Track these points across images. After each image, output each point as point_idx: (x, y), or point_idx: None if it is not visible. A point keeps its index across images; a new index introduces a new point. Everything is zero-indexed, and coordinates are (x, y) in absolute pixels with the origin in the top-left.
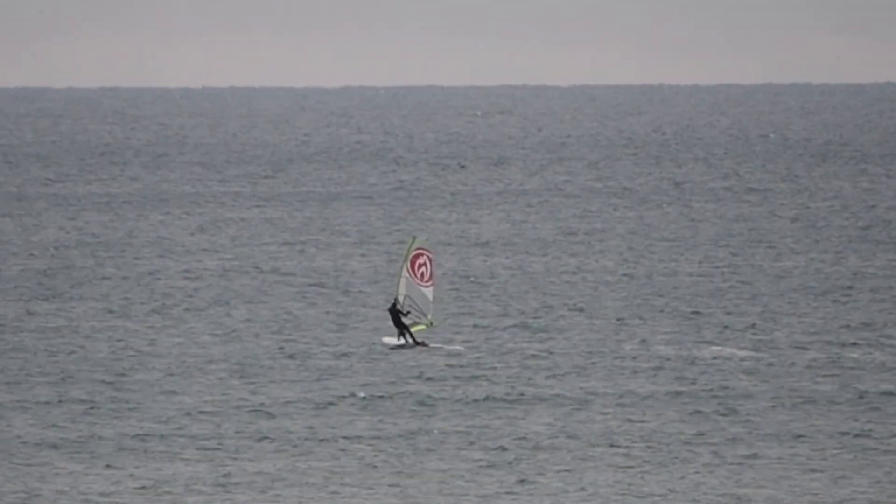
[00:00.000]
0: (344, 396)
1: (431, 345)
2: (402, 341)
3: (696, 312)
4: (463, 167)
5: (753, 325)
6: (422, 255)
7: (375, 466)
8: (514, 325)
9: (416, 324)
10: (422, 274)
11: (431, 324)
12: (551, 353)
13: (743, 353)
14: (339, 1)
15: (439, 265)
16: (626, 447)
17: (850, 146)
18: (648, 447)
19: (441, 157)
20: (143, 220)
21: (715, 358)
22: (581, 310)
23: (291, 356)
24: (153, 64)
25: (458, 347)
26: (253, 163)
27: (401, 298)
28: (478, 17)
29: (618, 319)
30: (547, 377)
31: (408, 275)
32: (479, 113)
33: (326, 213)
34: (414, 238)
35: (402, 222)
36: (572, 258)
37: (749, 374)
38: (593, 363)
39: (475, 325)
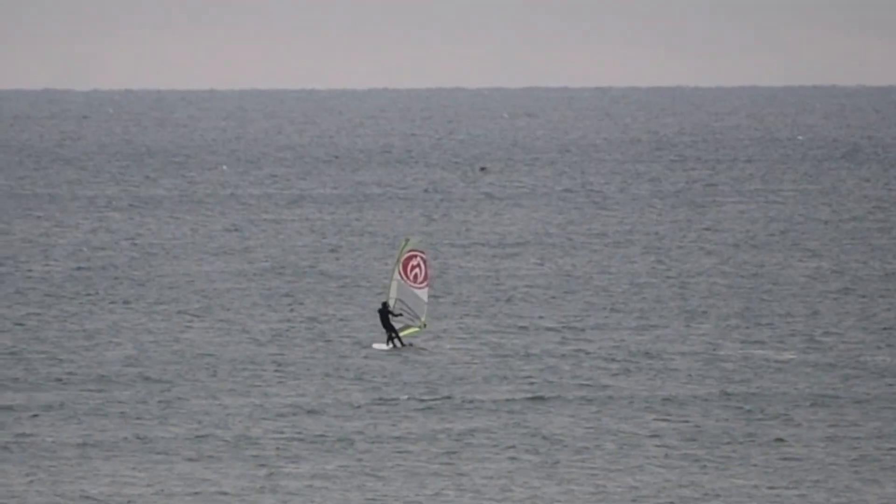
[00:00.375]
0: (385, 399)
1: (451, 348)
2: (391, 346)
3: (731, 314)
4: (483, 170)
5: (790, 327)
6: (415, 256)
7: (416, 468)
8: (550, 328)
9: (408, 327)
10: (415, 276)
11: (424, 325)
12: (587, 353)
13: (781, 355)
14: (365, 4)
15: (468, 268)
16: (666, 448)
17: (881, 148)
18: (687, 448)
19: (469, 159)
20: (176, 221)
21: (752, 359)
22: (616, 311)
23: (328, 356)
24: (177, 66)
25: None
26: (281, 165)
27: (391, 302)
28: (502, 20)
29: (652, 320)
30: (584, 378)
31: (399, 277)
32: (505, 115)
33: (356, 214)
34: (406, 240)
35: (433, 224)
36: (603, 259)
37: (788, 376)
38: (629, 364)
39: (509, 327)
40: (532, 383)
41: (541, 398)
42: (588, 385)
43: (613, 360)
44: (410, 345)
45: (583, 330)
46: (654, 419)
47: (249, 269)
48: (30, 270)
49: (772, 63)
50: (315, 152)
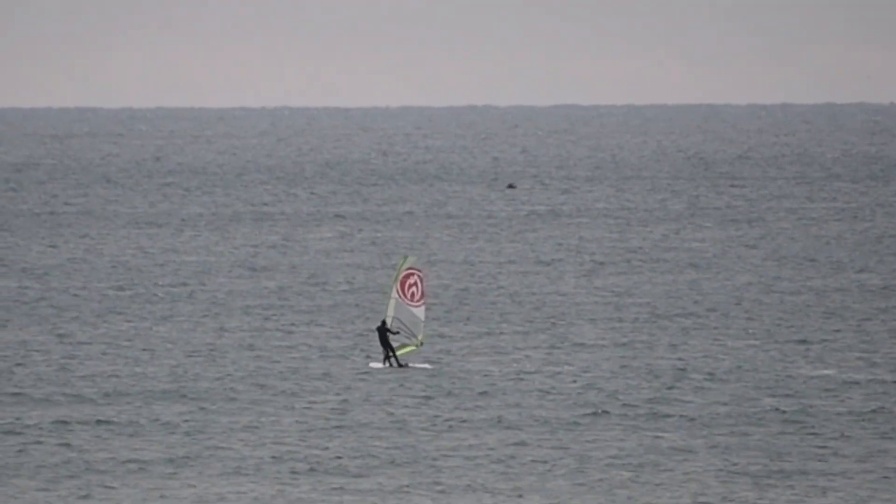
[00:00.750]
0: (433, 414)
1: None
2: (388, 364)
3: (775, 330)
4: (511, 186)
5: (836, 343)
6: (413, 274)
7: (469, 484)
8: (594, 345)
9: (404, 345)
10: (412, 294)
11: (421, 344)
12: (632, 369)
13: (825, 371)
14: (398, 22)
15: (505, 286)
16: (715, 463)
17: None
18: (735, 464)
19: (503, 176)
20: (216, 238)
21: (797, 375)
22: (660, 328)
23: (366, 373)
24: (207, 84)
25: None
26: (318, 182)
27: (389, 320)
28: (531, 38)
29: (696, 337)
30: (629, 394)
31: (397, 296)
32: (540, 132)
33: (395, 232)
34: (405, 258)
35: (472, 242)
36: (643, 276)
37: (834, 391)
38: (674, 380)
39: (554, 344)
40: (579, 399)
41: (593, 414)
42: (634, 402)
43: (658, 376)
44: (407, 365)
45: (625, 345)
46: (701, 434)
47: (290, 284)
48: (70, 288)
49: (802, 80)
50: (351, 169)
